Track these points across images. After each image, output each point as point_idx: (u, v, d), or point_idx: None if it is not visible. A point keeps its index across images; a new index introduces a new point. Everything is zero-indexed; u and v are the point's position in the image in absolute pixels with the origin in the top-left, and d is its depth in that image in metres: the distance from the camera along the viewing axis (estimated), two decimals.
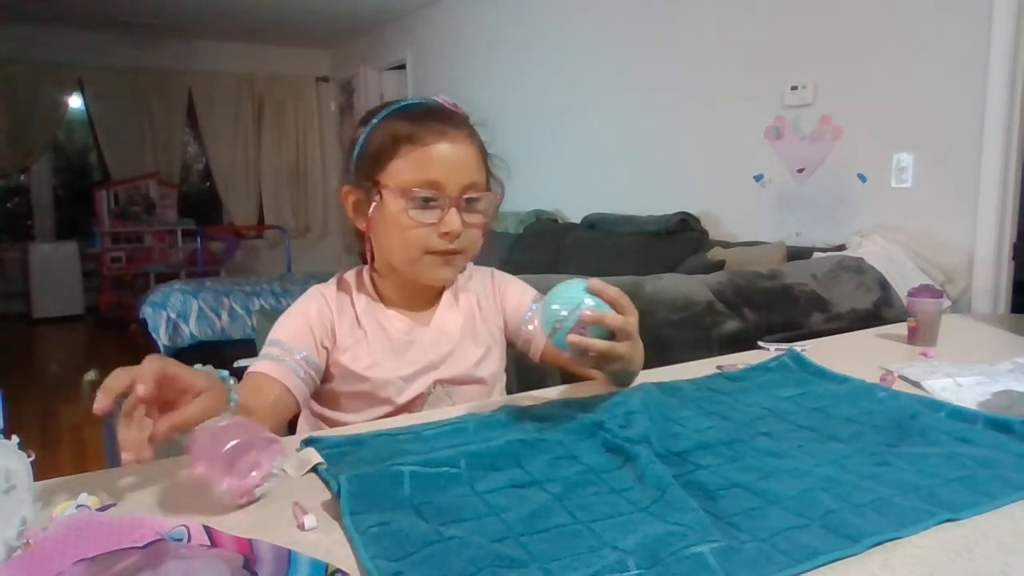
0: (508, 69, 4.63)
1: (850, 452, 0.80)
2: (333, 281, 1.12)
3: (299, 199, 7.41)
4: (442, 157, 0.99)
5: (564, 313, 0.85)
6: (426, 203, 0.99)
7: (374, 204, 1.01)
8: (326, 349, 1.04)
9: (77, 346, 5.71)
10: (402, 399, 1.03)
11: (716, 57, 3.16)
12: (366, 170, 1.02)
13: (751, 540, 0.60)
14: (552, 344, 0.89)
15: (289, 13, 5.73)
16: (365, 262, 1.11)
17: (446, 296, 1.12)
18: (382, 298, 1.09)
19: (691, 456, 0.79)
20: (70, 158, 6.99)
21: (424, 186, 0.98)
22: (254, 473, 0.68)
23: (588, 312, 0.85)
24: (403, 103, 1.05)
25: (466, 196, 1.00)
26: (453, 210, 0.99)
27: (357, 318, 1.07)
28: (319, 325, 1.05)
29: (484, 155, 1.06)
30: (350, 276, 1.12)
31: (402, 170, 0.99)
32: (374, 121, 1.03)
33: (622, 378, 1.03)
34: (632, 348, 0.91)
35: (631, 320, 0.89)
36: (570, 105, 4.11)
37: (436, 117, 1.01)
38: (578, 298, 0.86)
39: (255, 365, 1.00)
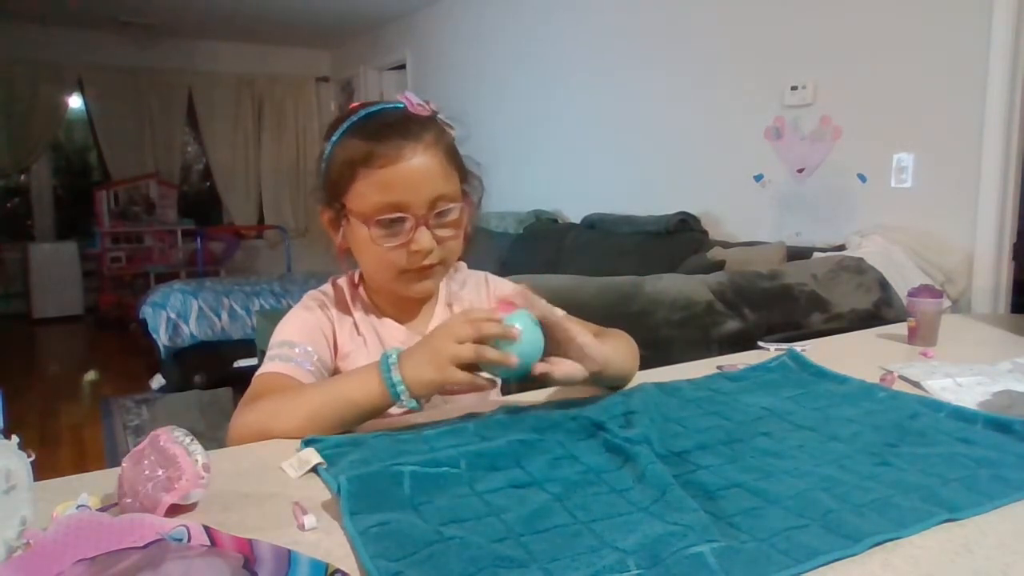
0: (508, 69, 4.63)
1: (850, 452, 0.80)
2: (328, 287, 1.10)
3: (299, 199, 7.40)
4: (402, 176, 0.93)
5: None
6: (392, 225, 0.95)
7: (343, 226, 1.00)
8: (332, 351, 1.04)
9: (77, 346, 5.72)
10: (398, 409, 1.03)
11: (716, 57, 3.16)
12: (331, 192, 0.99)
13: (751, 540, 0.60)
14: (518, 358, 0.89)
15: (289, 13, 5.73)
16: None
17: (440, 305, 1.10)
18: (376, 308, 1.08)
19: (691, 456, 0.79)
20: (70, 158, 6.99)
21: (388, 210, 0.94)
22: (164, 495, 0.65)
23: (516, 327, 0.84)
24: (361, 114, 0.99)
25: (435, 211, 0.96)
26: (422, 229, 0.95)
27: (356, 325, 1.06)
28: (327, 326, 1.04)
29: (454, 158, 1.00)
30: (344, 283, 1.10)
31: (363, 195, 0.95)
32: (333, 138, 0.99)
33: (609, 380, 1.02)
34: (584, 325, 0.92)
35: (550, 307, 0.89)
36: (570, 105, 4.11)
37: (393, 131, 0.94)
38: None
39: (266, 366, 0.98)
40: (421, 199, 0.95)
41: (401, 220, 0.95)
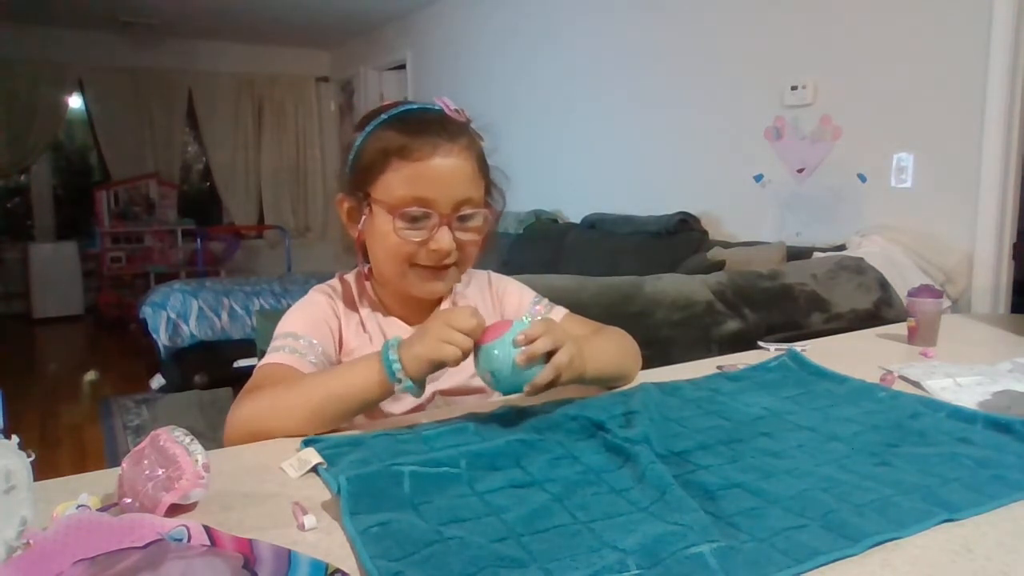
0: (508, 69, 4.63)
1: (850, 452, 0.80)
2: (336, 282, 1.10)
3: (299, 199, 7.41)
4: (434, 173, 0.95)
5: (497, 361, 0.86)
6: (416, 220, 0.96)
7: (364, 216, 1.00)
8: (337, 345, 1.04)
9: (77, 346, 5.71)
10: (399, 409, 1.02)
11: (716, 57, 3.16)
12: (358, 181, 1.00)
13: (751, 540, 0.60)
14: (498, 391, 0.90)
15: (289, 13, 5.73)
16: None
17: (445, 305, 1.10)
18: (383, 305, 1.08)
19: (691, 456, 0.79)
20: (70, 158, 6.99)
21: (414, 204, 0.95)
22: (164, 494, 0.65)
23: (518, 356, 0.85)
24: (399, 109, 1.01)
25: (459, 213, 0.97)
26: (444, 228, 0.96)
27: (362, 322, 1.06)
28: (333, 320, 1.04)
29: (483, 166, 1.02)
30: (351, 278, 1.10)
31: (392, 185, 0.96)
32: (368, 128, 1.00)
33: (605, 382, 1.03)
34: (576, 351, 0.90)
35: (554, 337, 0.87)
36: (570, 105, 4.11)
37: (431, 128, 0.96)
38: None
39: (269, 357, 0.98)
40: (448, 198, 0.96)
41: (426, 216, 0.96)
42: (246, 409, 0.89)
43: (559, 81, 4.18)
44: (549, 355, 0.87)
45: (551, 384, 0.88)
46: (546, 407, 0.92)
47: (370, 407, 0.91)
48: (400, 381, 0.85)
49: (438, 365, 0.87)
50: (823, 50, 2.71)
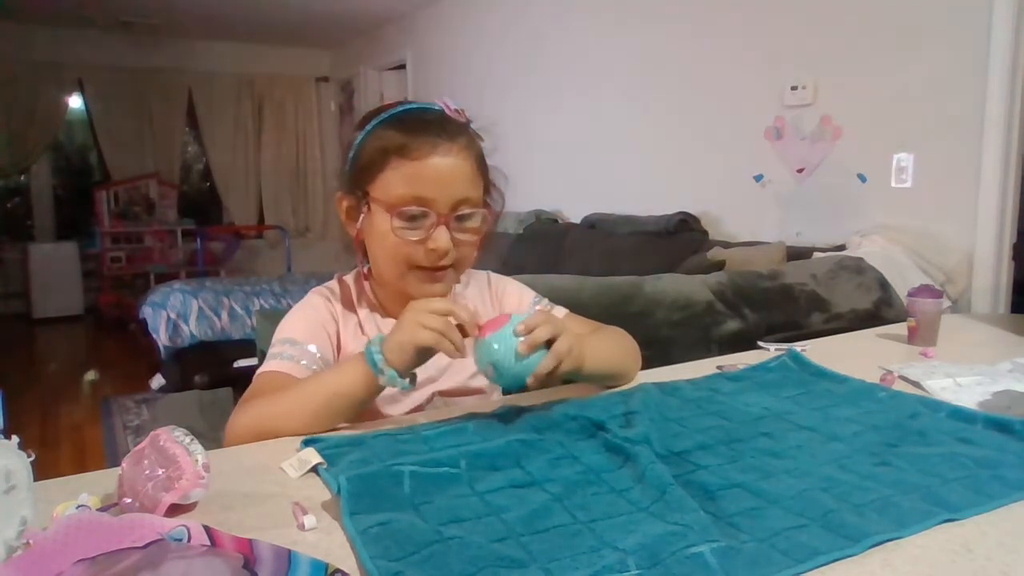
0: (508, 69, 4.63)
1: (850, 452, 0.80)
2: (334, 283, 1.10)
3: (299, 199, 7.41)
4: (433, 172, 0.95)
5: (496, 348, 0.86)
6: (414, 220, 0.96)
7: (363, 215, 1.00)
8: (335, 349, 1.04)
9: (77, 346, 5.71)
10: (399, 410, 1.02)
11: (716, 57, 3.16)
12: (357, 179, 1.00)
13: (751, 540, 0.60)
14: (501, 385, 0.90)
15: (289, 13, 5.72)
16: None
17: None
18: (381, 306, 1.08)
19: (691, 456, 0.79)
20: (70, 158, 6.99)
21: (412, 203, 0.95)
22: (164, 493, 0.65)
23: (520, 344, 0.85)
24: (399, 109, 1.01)
25: (457, 213, 0.97)
26: (442, 228, 0.96)
27: (360, 324, 1.06)
28: (331, 324, 1.04)
29: (482, 166, 1.02)
30: (350, 280, 1.10)
31: (391, 184, 0.96)
32: (368, 127, 1.00)
33: (604, 379, 1.04)
34: (575, 340, 0.90)
35: (554, 325, 0.88)
36: (570, 105, 4.11)
37: (430, 128, 0.97)
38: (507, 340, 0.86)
39: (268, 364, 0.98)
40: (446, 198, 0.96)
41: (424, 215, 0.96)
42: (246, 417, 0.90)
43: (559, 80, 4.18)
44: (549, 344, 0.87)
45: (552, 373, 0.88)
46: (546, 407, 0.92)
47: (364, 404, 0.91)
48: (383, 372, 0.85)
49: (421, 351, 0.86)
50: (823, 50, 2.71)
